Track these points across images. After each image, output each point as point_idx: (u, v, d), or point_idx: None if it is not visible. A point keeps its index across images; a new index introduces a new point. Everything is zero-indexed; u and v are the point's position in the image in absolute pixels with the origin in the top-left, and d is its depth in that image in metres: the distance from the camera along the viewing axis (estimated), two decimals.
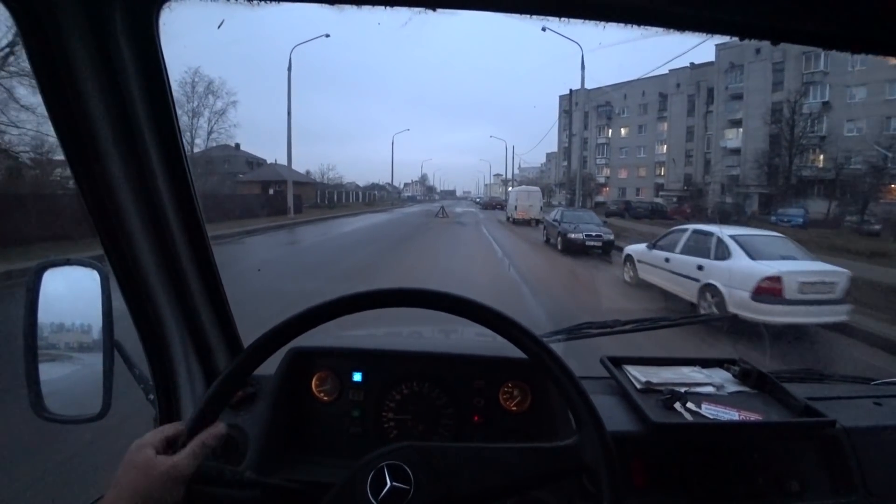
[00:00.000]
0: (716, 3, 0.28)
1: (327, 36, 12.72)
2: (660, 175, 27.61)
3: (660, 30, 0.34)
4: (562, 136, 38.28)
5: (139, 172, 0.45)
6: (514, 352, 0.49)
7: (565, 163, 37.36)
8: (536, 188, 14.07)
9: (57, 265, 0.45)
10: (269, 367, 0.56)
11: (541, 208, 12.43)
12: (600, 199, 26.85)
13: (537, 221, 10.84)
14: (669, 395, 0.60)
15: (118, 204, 0.45)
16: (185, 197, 0.50)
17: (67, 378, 0.45)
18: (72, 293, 0.45)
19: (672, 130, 27.44)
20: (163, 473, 0.31)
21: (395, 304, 0.39)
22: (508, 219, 13.40)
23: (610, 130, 31.33)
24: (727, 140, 21.87)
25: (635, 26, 0.31)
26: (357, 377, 0.62)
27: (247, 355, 0.37)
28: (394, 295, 0.39)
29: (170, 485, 0.31)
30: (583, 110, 32.38)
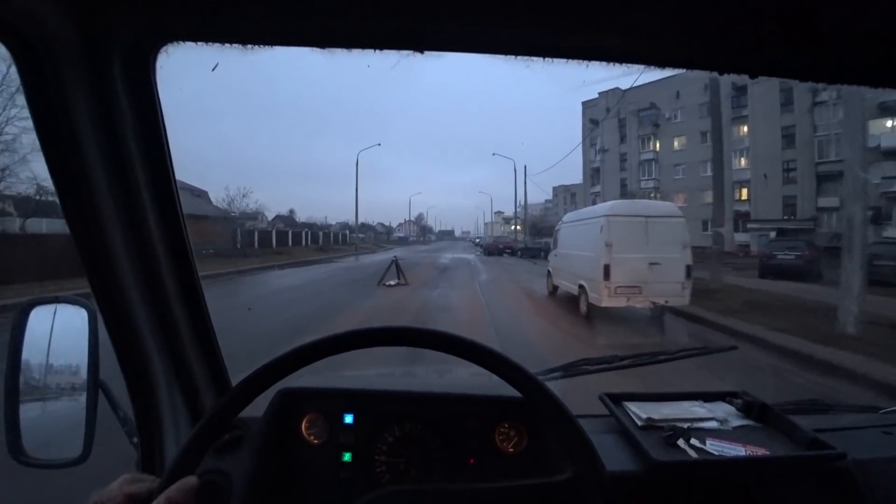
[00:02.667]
0: (692, 42, 0.40)
1: (379, 145, 25.16)
2: (740, 199, 23.38)
3: (641, 66, 0.46)
4: (588, 155, 34.55)
5: (131, 212, 0.57)
6: (509, 391, 0.58)
7: (596, 189, 33.38)
8: (674, 211, 6.75)
9: (45, 303, 0.58)
10: (257, 409, 0.65)
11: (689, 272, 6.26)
12: None
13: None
14: (672, 432, 0.71)
15: (108, 243, 0.56)
16: (177, 237, 0.63)
17: (49, 419, 0.56)
18: (58, 332, 0.57)
19: (757, 135, 23.02)
20: None
21: (386, 344, 0.48)
22: (553, 291, 8.08)
23: (658, 142, 28.07)
24: (881, 136, 16.93)
25: (617, 64, 0.43)
26: (348, 419, 0.73)
27: (231, 397, 0.45)
28: (384, 334, 0.47)
29: None
30: (616, 117, 29.48)
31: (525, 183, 35.60)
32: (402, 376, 0.90)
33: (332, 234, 29.81)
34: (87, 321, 0.59)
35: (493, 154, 35.58)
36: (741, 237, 23.19)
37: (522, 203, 34.59)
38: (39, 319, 0.58)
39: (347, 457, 0.73)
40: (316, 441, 0.74)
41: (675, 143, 27.63)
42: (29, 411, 0.55)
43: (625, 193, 30.44)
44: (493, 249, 26.18)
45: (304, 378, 0.54)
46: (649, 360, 1.01)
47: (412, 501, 0.45)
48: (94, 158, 0.54)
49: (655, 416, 0.79)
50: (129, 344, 0.63)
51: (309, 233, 31.36)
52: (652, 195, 27.13)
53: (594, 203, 36.34)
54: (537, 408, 0.50)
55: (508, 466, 0.72)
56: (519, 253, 23.47)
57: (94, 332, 0.58)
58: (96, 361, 0.58)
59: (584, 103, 34.29)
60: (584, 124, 34.39)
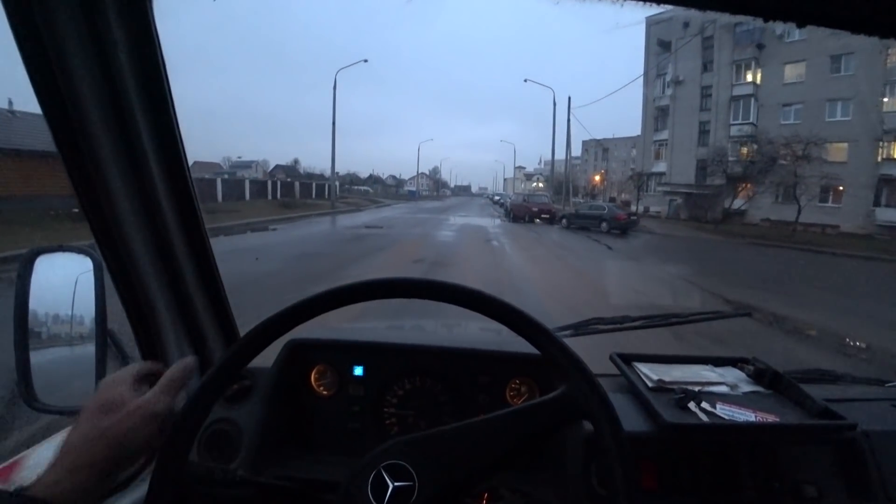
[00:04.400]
0: None
1: (366, 61, 22.68)
2: (892, 157, 17.71)
3: (679, 8, 0.44)
4: (652, 88, 29.15)
5: (131, 155, 0.64)
6: (520, 347, 0.75)
7: (660, 136, 27.98)
8: None
9: (49, 252, 0.66)
10: (267, 359, 0.74)
11: None
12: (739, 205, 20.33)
13: None
14: (683, 395, 0.84)
15: (109, 188, 0.63)
16: (180, 180, 0.70)
17: (59, 367, 0.66)
18: (64, 281, 0.66)
19: None
20: (131, 411, 0.45)
21: (398, 296, 0.54)
22: None
23: (760, 71, 22.96)
24: None
25: (652, 3, 0.41)
26: (358, 371, 0.87)
27: (241, 346, 0.52)
28: (396, 286, 0.54)
29: (140, 422, 0.44)
30: (699, 34, 23.81)
31: (568, 121, 27.75)
32: (412, 330, 1.04)
33: (327, 187, 28.44)
34: (93, 270, 0.68)
35: (525, 80, 31.08)
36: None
37: (556, 156, 30.63)
38: (45, 268, 0.67)
39: (357, 408, 0.86)
40: (325, 392, 0.88)
41: (787, 73, 21.93)
42: (39, 359, 0.65)
43: (704, 142, 25.36)
44: (523, 212, 21.43)
45: (314, 329, 0.64)
46: (661, 322, 1.20)
47: (419, 448, 0.54)
48: (88, 98, 0.59)
49: (666, 378, 0.91)
50: (134, 293, 0.72)
51: (297, 184, 31.30)
52: (744, 149, 21.64)
53: (656, 156, 29.15)
54: (555, 365, 0.56)
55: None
56: (564, 221, 19.04)
57: (99, 281, 0.67)
58: (103, 310, 0.67)
59: (649, 19, 28.14)
60: (647, 48, 28.85)
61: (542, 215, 21.23)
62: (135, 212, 0.69)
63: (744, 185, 21.20)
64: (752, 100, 23.85)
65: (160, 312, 0.75)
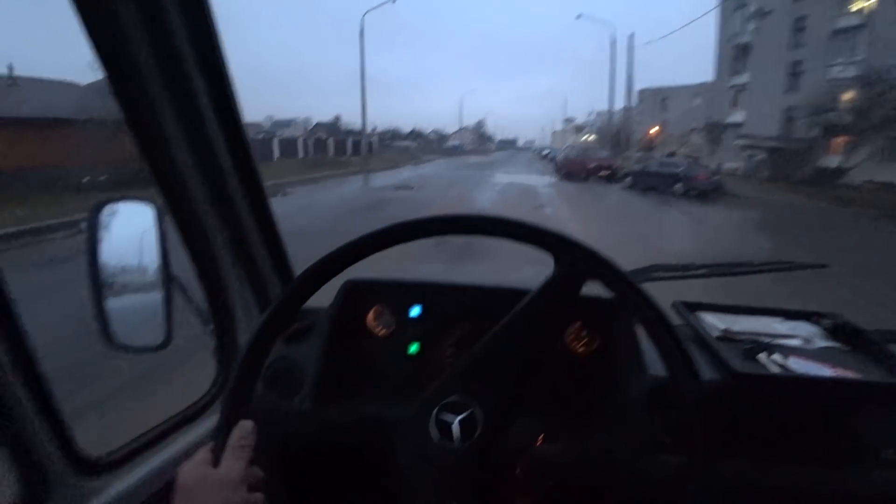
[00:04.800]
0: None
1: (393, 1, 21.10)
2: None
3: None
4: (729, 22, 26.80)
5: (187, 102, 0.69)
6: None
7: (739, 79, 25.45)
8: None
9: (113, 202, 0.72)
10: (325, 300, 0.80)
11: None
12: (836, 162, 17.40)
13: None
14: (752, 345, 0.83)
15: (169, 140, 0.69)
16: (234, 125, 0.74)
17: (131, 311, 0.73)
18: (129, 230, 0.72)
19: None
20: (215, 483, 0.51)
21: (461, 232, 0.56)
22: None
23: None
24: None
25: None
26: (415, 312, 0.91)
27: (297, 285, 0.55)
28: (459, 222, 0.55)
29: (223, 495, 0.50)
30: None
31: (630, 62, 26.50)
32: (469, 271, 1.07)
33: (363, 143, 26.86)
34: (155, 218, 0.73)
35: (579, 16, 29.24)
36: None
37: (611, 105, 28.57)
38: (110, 218, 0.72)
39: (414, 349, 0.91)
40: (382, 333, 0.92)
41: None
42: (113, 305, 0.72)
43: (794, 87, 22.36)
44: (577, 169, 19.38)
45: (371, 269, 0.67)
46: (727, 271, 1.18)
47: (466, 374, 0.59)
48: (141, 45, 0.63)
49: (734, 328, 0.91)
50: (196, 239, 0.78)
51: (332, 141, 31.46)
52: (848, 95, 17.86)
53: (732, 104, 26.20)
54: (631, 310, 0.58)
55: (577, 367, 0.87)
56: (628, 179, 16.92)
57: (162, 229, 0.73)
58: (166, 256, 0.73)
59: None
60: None
61: (601, 172, 19.02)
62: (193, 158, 0.74)
63: (845, 138, 18.01)
64: (860, 32, 20.18)
65: (220, 255, 0.81)
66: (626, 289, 0.56)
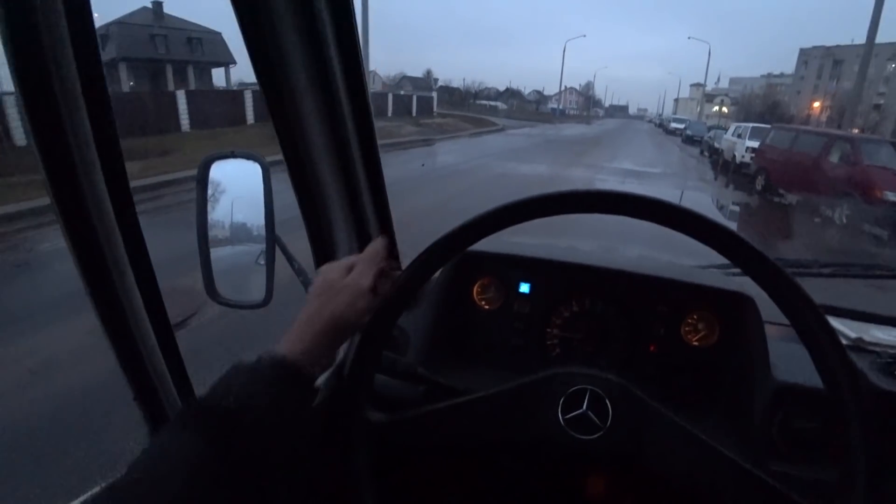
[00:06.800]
0: None
1: None
2: None
3: None
4: None
5: (321, 72, 0.77)
6: (701, 279, 0.85)
7: None
8: None
9: (223, 158, 0.81)
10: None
11: None
12: None
13: None
14: (891, 360, 0.83)
15: (297, 100, 0.77)
16: (360, 93, 0.81)
17: (235, 267, 0.83)
18: (237, 186, 0.82)
19: None
20: (343, 289, 0.64)
21: (596, 210, 0.58)
22: None
23: None
24: None
25: None
26: (524, 288, 0.99)
27: (422, 261, 0.63)
28: (599, 198, 0.58)
29: (350, 298, 0.64)
30: None
31: None
32: (571, 249, 1.10)
33: (434, 100, 27.10)
34: (262, 175, 0.81)
35: None
36: None
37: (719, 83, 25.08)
38: (219, 173, 0.82)
39: (520, 325, 0.98)
40: (488, 306, 1.01)
41: None
42: (219, 258, 0.82)
43: None
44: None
45: (481, 242, 0.78)
46: (860, 273, 1.21)
47: (635, 405, 0.60)
48: (286, 31, 0.72)
49: (866, 338, 0.91)
50: (313, 199, 0.86)
51: (390, 97, 28.26)
52: None
53: None
54: (784, 308, 0.58)
55: (693, 360, 0.91)
56: None
57: (268, 187, 0.81)
58: (272, 215, 0.81)
59: None
60: None
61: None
62: (319, 122, 0.82)
63: None
64: None
65: (335, 221, 0.90)
66: (782, 284, 0.56)
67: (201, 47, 30.63)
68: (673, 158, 18.31)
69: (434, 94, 33.26)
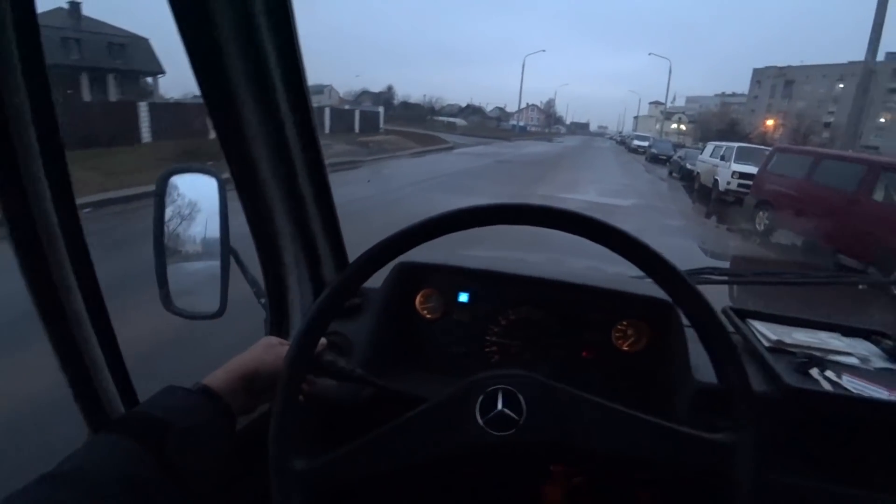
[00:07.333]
0: None
1: None
2: None
3: None
4: None
5: (262, 87, 0.81)
6: (634, 288, 0.97)
7: None
8: None
9: (180, 172, 0.86)
10: (376, 279, 0.89)
11: None
12: None
13: None
14: (806, 359, 0.91)
15: (242, 119, 0.82)
16: (304, 111, 0.87)
17: (190, 279, 0.87)
18: (194, 199, 0.86)
19: None
20: (281, 347, 0.76)
21: (523, 222, 0.63)
22: None
23: None
24: None
25: None
26: (464, 297, 1.07)
27: (356, 267, 0.66)
28: (519, 211, 0.63)
29: (280, 358, 0.68)
30: None
31: None
32: (518, 261, 1.20)
33: (380, 117, 26.53)
34: (218, 189, 0.85)
35: None
36: None
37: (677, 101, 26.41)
38: (177, 187, 0.86)
39: (461, 333, 1.06)
40: (430, 316, 1.08)
41: None
42: (174, 270, 0.85)
43: None
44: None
45: (423, 253, 0.77)
46: (786, 279, 1.32)
47: (546, 393, 0.65)
48: (222, 18, 0.73)
49: (786, 340, 0.99)
50: (259, 213, 0.91)
51: (328, 111, 26.76)
52: None
53: None
54: (686, 312, 0.64)
55: (624, 364, 1.00)
56: None
57: (223, 201, 0.85)
58: (227, 228, 0.85)
59: None
60: None
61: None
62: (263, 133, 0.86)
63: None
64: None
65: (281, 231, 0.94)
66: (682, 290, 0.62)
67: (124, 54, 27.99)
68: (642, 183, 16.75)
69: (381, 109, 32.64)
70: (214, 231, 0.90)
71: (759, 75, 41.08)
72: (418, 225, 0.64)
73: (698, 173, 15.07)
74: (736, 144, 13.59)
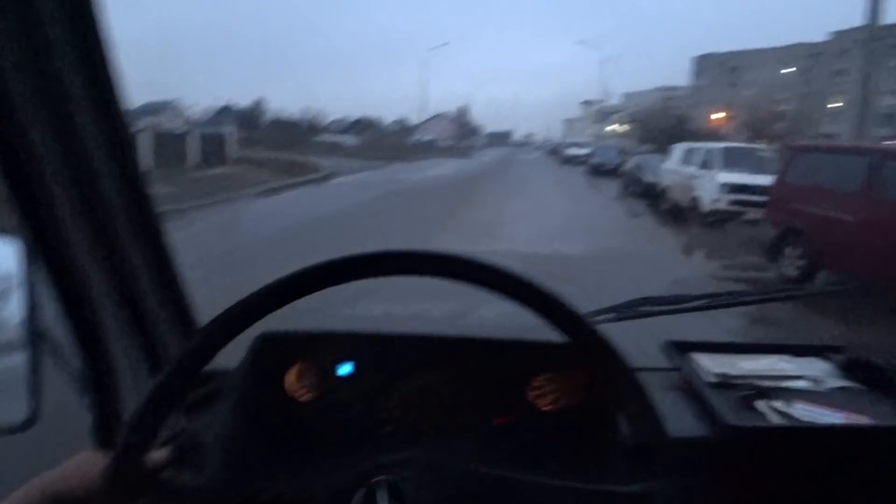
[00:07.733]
0: None
1: None
2: None
3: None
4: None
5: (63, 117, 0.79)
6: (549, 336, 0.83)
7: None
8: None
9: None
10: (234, 358, 0.89)
11: None
12: None
13: None
14: (750, 392, 0.99)
15: (34, 154, 0.77)
16: (124, 144, 0.84)
17: None
18: None
19: None
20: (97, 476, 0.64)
21: (395, 272, 0.65)
22: None
23: None
24: None
25: None
26: (346, 369, 1.05)
27: (197, 343, 0.64)
28: (390, 260, 0.65)
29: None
30: None
31: None
32: (412, 317, 1.25)
33: (225, 142, 24.10)
34: (19, 259, 0.80)
35: None
36: None
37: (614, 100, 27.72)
38: None
39: (346, 414, 1.04)
40: (306, 397, 1.05)
41: None
42: None
43: None
44: None
45: (292, 320, 0.78)
46: (730, 302, 1.43)
47: (435, 477, 0.68)
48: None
49: (731, 372, 1.07)
50: (69, 283, 0.85)
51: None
52: None
53: None
54: (589, 357, 0.68)
55: (546, 426, 1.02)
56: None
57: (30, 273, 0.80)
58: (35, 306, 0.79)
59: None
60: None
61: None
62: (68, 182, 0.82)
63: None
64: None
65: (102, 306, 0.88)
66: (579, 330, 0.65)
67: None
68: (590, 210, 15.31)
69: (228, 132, 29.15)
70: (17, 315, 0.85)
71: (700, 65, 44.70)
72: (277, 283, 0.67)
73: (665, 188, 13.85)
74: (721, 145, 12.72)
